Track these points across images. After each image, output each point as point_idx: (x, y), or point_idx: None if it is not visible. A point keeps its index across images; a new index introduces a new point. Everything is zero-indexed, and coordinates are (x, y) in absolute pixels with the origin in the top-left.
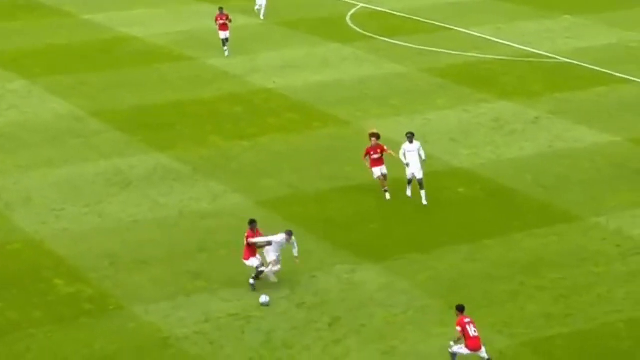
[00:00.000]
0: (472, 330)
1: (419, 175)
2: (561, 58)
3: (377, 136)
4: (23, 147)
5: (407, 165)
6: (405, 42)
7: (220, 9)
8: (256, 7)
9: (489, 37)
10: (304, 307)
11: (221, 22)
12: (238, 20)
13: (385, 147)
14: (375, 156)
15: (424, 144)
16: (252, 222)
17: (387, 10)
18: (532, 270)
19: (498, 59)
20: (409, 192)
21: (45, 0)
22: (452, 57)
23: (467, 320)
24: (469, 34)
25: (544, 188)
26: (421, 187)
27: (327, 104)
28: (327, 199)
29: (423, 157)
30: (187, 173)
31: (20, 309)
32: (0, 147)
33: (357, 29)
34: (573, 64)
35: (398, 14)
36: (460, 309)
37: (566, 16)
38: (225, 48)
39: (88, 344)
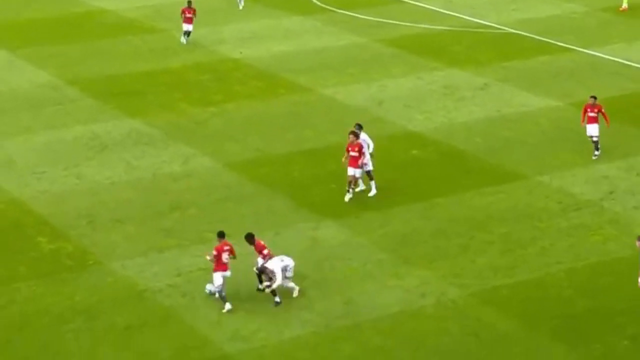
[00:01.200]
0: (224, 257)
1: (368, 167)
2: (507, 29)
3: (356, 135)
4: (4, 114)
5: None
6: (363, 15)
7: (189, 2)
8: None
9: (439, 10)
10: None
11: (188, 15)
12: None
13: (363, 150)
14: (353, 154)
15: (380, 109)
16: (221, 235)
17: None
18: (481, 226)
19: (448, 30)
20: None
21: None
22: (405, 29)
23: (226, 247)
24: (421, 6)
25: (493, 150)
26: (371, 178)
27: (290, 73)
28: (291, 161)
29: (370, 149)
30: (159, 137)
31: (5, 265)
32: None
33: (318, 3)
34: (518, 34)
35: None
36: (220, 234)
37: None
38: (184, 39)
39: (69, 296)
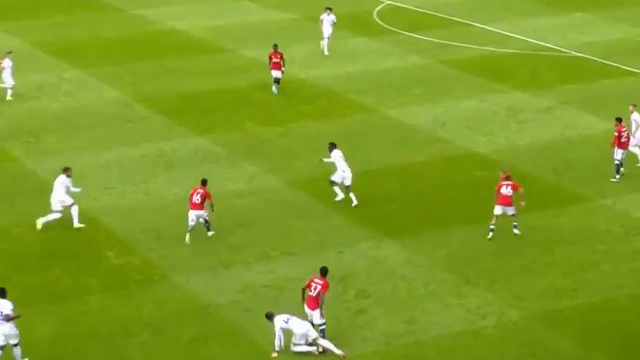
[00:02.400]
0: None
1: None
2: (571, 52)
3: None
4: (77, 131)
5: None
6: (427, 37)
7: (275, 46)
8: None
9: (504, 32)
10: (332, 280)
11: (275, 60)
12: (272, 15)
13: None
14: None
15: (443, 131)
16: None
17: (410, 7)
18: (543, 248)
19: (512, 53)
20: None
21: None
22: (469, 51)
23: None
24: (486, 29)
25: (556, 172)
26: (349, 191)
27: (355, 93)
28: (354, 179)
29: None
30: (225, 155)
31: (76, 278)
32: (57, 130)
33: (383, 24)
34: (582, 57)
35: (420, 10)
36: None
37: (578, 13)
38: (275, 88)
39: (137, 309)
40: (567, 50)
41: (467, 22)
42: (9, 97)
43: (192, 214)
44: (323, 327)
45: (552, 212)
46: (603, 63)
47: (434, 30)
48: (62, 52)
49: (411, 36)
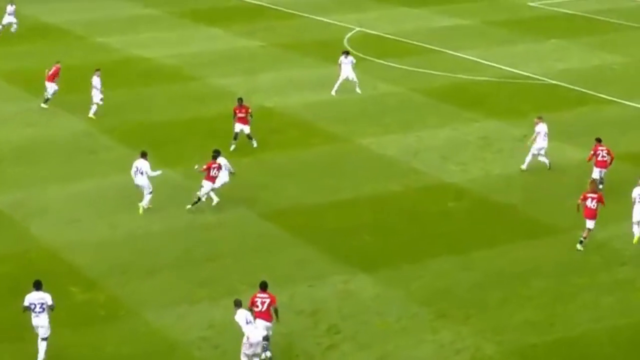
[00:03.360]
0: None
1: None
2: (547, 79)
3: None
4: (39, 162)
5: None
6: (399, 64)
7: (239, 100)
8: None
9: (477, 60)
10: (303, 314)
11: (240, 115)
12: (239, 42)
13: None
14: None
15: (415, 160)
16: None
17: (381, 34)
18: (520, 280)
19: (486, 81)
20: None
21: (59, 24)
22: (442, 79)
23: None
24: (459, 56)
25: (531, 202)
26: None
27: (326, 122)
28: (325, 211)
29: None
30: (194, 187)
31: None
32: (20, 161)
33: (353, 51)
34: (559, 85)
35: (392, 37)
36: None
37: (553, 40)
38: (233, 145)
39: (100, 347)
40: (542, 78)
41: (439, 49)
42: None
43: (208, 186)
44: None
45: (529, 243)
46: (579, 91)
47: (406, 58)
48: (24, 81)
49: (383, 63)
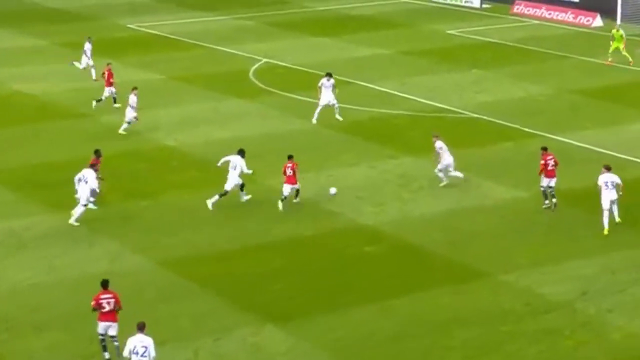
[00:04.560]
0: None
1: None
2: (469, 113)
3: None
4: None
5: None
6: (310, 98)
7: (96, 151)
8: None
9: (394, 92)
10: None
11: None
12: (137, 75)
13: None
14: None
15: (329, 201)
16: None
17: (291, 65)
18: (441, 330)
19: (404, 114)
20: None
21: None
22: (357, 113)
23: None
24: (374, 88)
25: (453, 245)
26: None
27: None
28: (231, 257)
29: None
30: (84, 233)
31: None
32: None
33: (261, 85)
34: (481, 118)
35: (301, 68)
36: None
37: (474, 70)
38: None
39: None
40: (462, 111)
41: (353, 81)
42: None
43: (287, 188)
44: (117, 339)
45: (451, 289)
46: (502, 124)
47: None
48: None
49: (292, 97)
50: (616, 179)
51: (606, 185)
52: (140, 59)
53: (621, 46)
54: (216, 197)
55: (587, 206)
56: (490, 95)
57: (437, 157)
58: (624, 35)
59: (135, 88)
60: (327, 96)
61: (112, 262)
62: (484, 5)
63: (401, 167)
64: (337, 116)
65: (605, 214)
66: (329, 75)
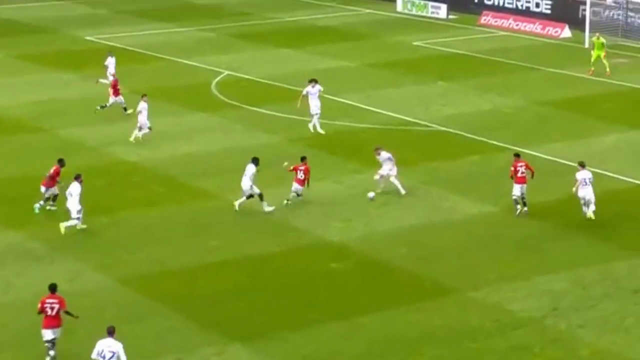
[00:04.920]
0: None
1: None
2: (435, 126)
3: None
4: None
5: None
6: (274, 111)
7: (60, 160)
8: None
9: (358, 105)
10: None
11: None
12: (94, 88)
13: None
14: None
15: (294, 217)
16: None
17: (254, 78)
18: (410, 348)
19: (369, 128)
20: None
21: None
22: (322, 126)
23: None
24: (339, 101)
25: (421, 261)
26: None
27: (193, 176)
28: (194, 275)
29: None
30: (43, 252)
31: None
32: None
33: (223, 98)
34: (447, 131)
35: (266, 81)
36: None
37: (440, 82)
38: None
39: None
40: (429, 124)
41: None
42: None
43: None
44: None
45: (418, 306)
46: (469, 137)
47: (281, 104)
48: None
49: (255, 110)
50: (591, 175)
51: (584, 182)
52: (100, 72)
53: (602, 54)
54: (243, 198)
55: (557, 220)
56: (457, 107)
57: (386, 166)
58: (604, 43)
59: (144, 95)
60: (316, 103)
61: (72, 280)
62: (450, 16)
63: (367, 182)
64: (319, 129)
65: (585, 208)
66: (314, 81)
